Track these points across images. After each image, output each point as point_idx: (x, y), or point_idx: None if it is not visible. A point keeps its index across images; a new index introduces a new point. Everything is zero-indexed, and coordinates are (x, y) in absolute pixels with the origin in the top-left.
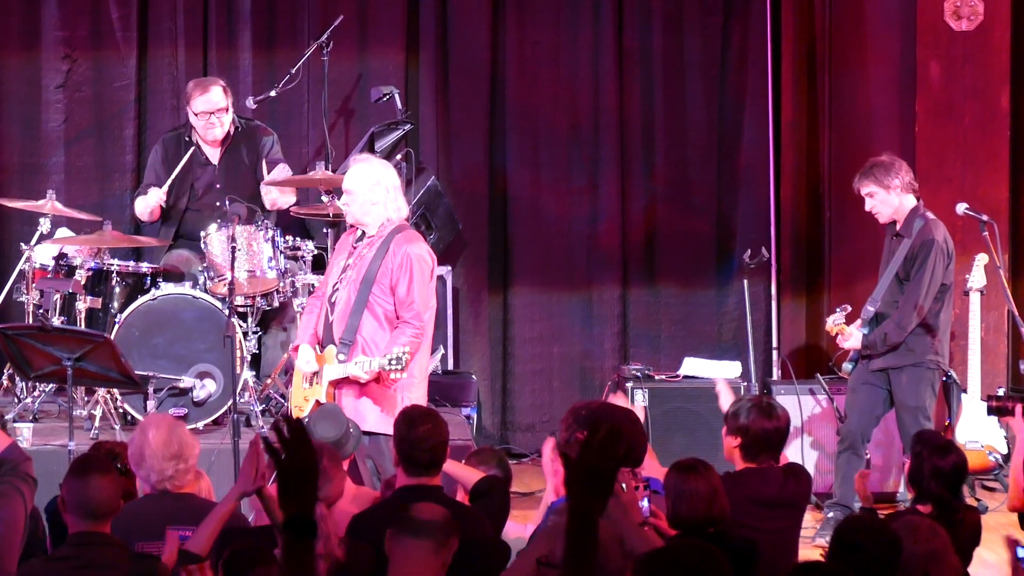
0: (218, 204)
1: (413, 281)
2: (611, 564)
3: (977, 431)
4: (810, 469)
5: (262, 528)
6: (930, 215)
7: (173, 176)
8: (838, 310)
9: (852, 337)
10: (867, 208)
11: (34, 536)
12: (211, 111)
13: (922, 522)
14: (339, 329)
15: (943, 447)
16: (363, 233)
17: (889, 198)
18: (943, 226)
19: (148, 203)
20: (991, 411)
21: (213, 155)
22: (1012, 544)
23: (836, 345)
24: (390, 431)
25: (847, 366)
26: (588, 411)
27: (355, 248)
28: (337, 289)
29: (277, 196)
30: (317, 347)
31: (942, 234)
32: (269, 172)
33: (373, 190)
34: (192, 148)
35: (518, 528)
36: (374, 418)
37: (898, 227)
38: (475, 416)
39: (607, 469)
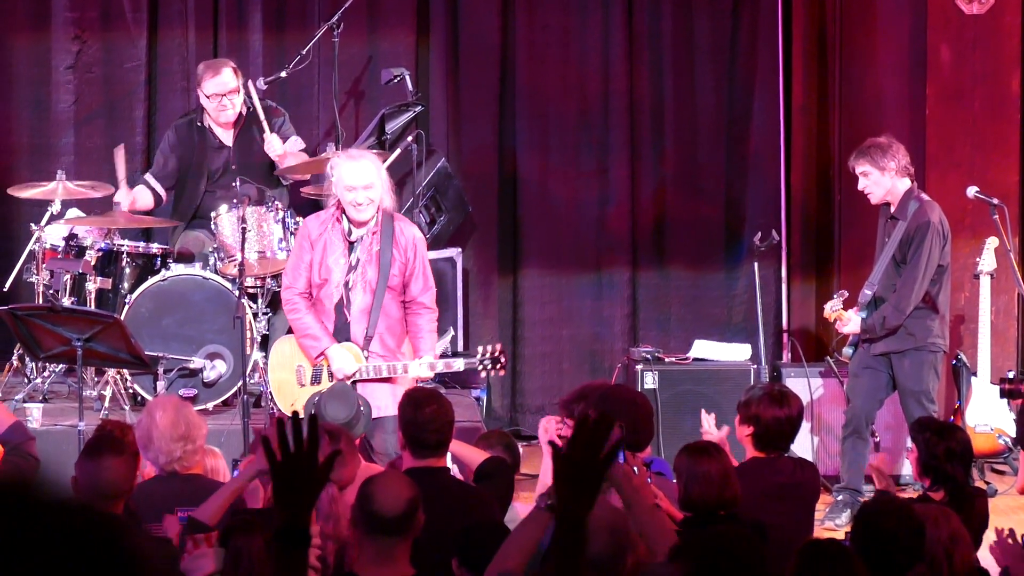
0: (233, 185)
1: (426, 265)
2: (598, 549)
3: (987, 414)
4: (819, 451)
5: (259, 509)
6: (925, 197)
7: (122, 185)
8: (835, 296)
9: (851, 322)
10: (859, 187)
11: None
12: (222, 93)
13: (930, 508)
14: (360, 326)
15: (948, 429)
16: (349, 227)
17: (883, 180)
18: (938, 207)
19: (119, 202)
20: (1003, 394)
21: (226, 137)
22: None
23: (835, 331)
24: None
25: (847, 351)
26: (594, 393)
27: (352, 243)
28: (351, 288)
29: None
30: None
31: (937, 215)
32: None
33: (386, 180)
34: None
35: (525, 510)
36: (390, 402)
37: (893, 209)
38: (484, 398)
39: (596, 466)
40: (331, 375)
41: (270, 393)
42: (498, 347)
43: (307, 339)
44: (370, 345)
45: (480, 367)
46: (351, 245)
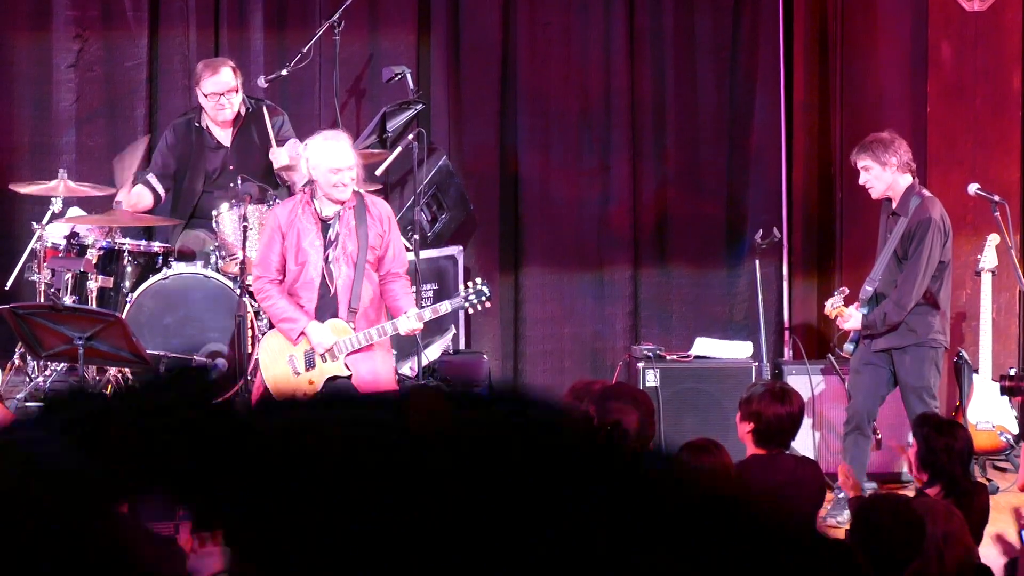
0: (232, 185)
1: (399, 236)
2: None
3: (988, 411)
4: (821, 448)
5: None
6: (926, 193)
7: (127, 184)
8: (836, 293)
9: (852, 318)
10: (860, 181)
11: None
12: (221, 92)
13: (938, 504)
14: (344, 299)
15: (948, 425)
16: (320, 208)
17: (884, 175)
18: (939, 204)
19: (120, 201)
20: (1004, 391)
21: (224, 137)
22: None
23: (835, 327)
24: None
25: (848, 347)
26: (600, 388)
27: (325, 223)
28: (331, 263)
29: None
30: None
31: (939, 212)
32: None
33: (359, 159)
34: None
35: None
36: (387, 375)
37: (894, 205)
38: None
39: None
40: (324, 357)
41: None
42: (478, 280)
43: (284, 323)
44: (356, 317)
45: (467, 304)
46: (324, 224)
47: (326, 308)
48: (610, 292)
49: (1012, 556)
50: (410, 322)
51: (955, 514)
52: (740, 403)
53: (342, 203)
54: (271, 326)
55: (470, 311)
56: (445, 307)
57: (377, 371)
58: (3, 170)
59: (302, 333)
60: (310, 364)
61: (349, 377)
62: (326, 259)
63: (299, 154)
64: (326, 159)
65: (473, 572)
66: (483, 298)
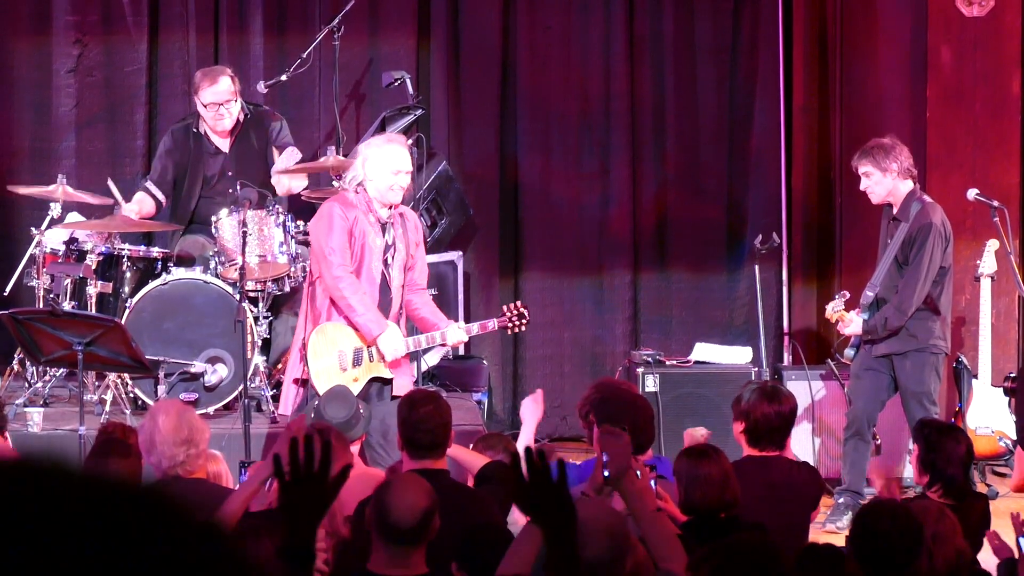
0: (230, 191)
1: (423, 247)
2: (597, 552)
3: (988, 417)
4: (820, 454)
5: (265, 511)
6: (927, 198)
7: (122, 204)
8: (837, 297)
9: (852, 323)
10: (861, 187)
11: None
12: (220, 102)
13: (931, 504)
14: (396, 304)
15: (950, 429)
16: (376, 209)
17: (884, 180)
18: (940, 209)
19: (129, 211)
20: (1007, 392)
21: (223, 143)
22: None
23: (836, 332)
24: None
25: (848, 352)
26: (603, 395)
27: (383, 225)
28: (390, 266)
29: (289, 182)
30: None
31: (939, 217)
32: (278, 156)
33: None
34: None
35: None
36: (412, 385)
37: (895, 211)
38: (486, 401)
39: (552, 492)
40: (371, 357)
41: (268, 397)
42: (518, 303)
43: (366, 319)
44: (400, 320)
45: (510, 325)
46: (382, 227)
47: (381, 309)
48: (610, 296)
49: (1005, 556)
50: (459, 334)
51: (947, 515)
52: (732, 403)
53: (393, 207)
54: (313, 318)
55: (511, 332)
56: (492, 324)
57: (410, 377)
58: (3, 175)
59: (375, 338)
60: (357, 362)
61: (391, 381)
62: (385, 261)
63: (296, 161)
64: (389, 160)
65: None
66: (523, 320)
